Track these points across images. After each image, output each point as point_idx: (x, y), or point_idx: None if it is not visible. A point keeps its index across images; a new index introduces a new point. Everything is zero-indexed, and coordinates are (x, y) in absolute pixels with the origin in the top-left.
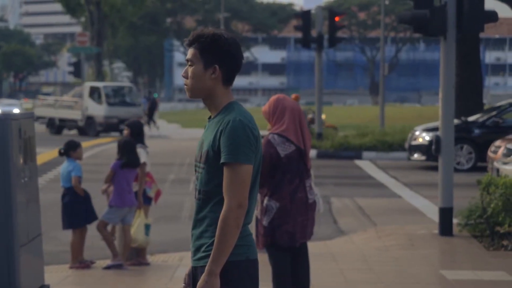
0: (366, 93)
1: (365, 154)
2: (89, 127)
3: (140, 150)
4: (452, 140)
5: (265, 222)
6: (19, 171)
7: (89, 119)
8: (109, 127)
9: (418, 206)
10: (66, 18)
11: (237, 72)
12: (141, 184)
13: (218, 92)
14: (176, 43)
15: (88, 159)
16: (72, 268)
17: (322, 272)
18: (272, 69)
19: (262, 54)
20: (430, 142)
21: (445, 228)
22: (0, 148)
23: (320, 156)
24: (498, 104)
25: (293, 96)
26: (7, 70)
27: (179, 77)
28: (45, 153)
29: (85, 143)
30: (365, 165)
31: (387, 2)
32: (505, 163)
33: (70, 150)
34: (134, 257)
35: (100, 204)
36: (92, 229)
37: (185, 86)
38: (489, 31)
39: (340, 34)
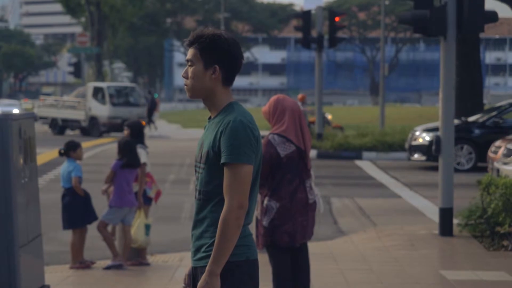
0: (366, 93)
1: (365, 154)
2: (93, 128)
3: (140, 151)
4: (452, 140)
5: (265, 222)
6: (19, 171)
7: (93, 120)
8: (112, 127)
9: (418, 207)
10: (66, 19)
11: (237, 72)
12: (141, 184)
13: (218, 92)
14: (176, 43)
15: (88, 160)
16: (73, 268)
17: (322, 272)
18: (272, 69)
19: (262, 54)
20: (430, 142)
21: (445, 228)
22: (0, 148)
23: (320, 156)
24: (498, 104)
25: (299, 96)
26: (7, 71)
27: (179, 77)
28: (45, 153)
29: (85, 144)
30: (365, 165)
31: (387, 2)
32: (505, 163)
33: (70, 151)
34: (135, 257)
35: (101, 205)
36: (92, 230)
37: (185, 86)
38: (489, 31)
39: (340, 34)
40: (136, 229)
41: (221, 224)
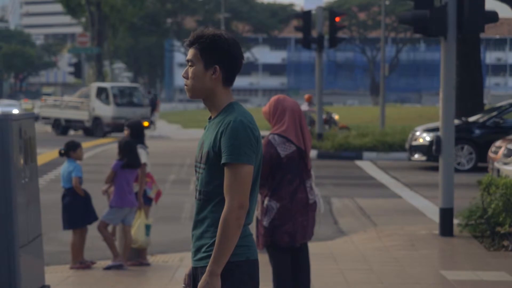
0: (366, 93)
1: (366, 154)
2: (96, 128)
3: (140, 151)
4: (453, 141)
5: (265, 222)
6: (19, 171)
7: (96, 120)
8: (116, 128)
9: (419, 207)
10: (67, 19)
11: (237, 72)
12: (141, 184)
13: (218, 93)
14: (177, 43)
15: (88, 160)
16: (73, 269)
17: (323, 273)
18: (273, 69)
19: (263, 54)
20: (431, 142)
21: (446, 228)
22: (1, 149)
23: (321, 156)
24: (499, 104)
25: (305, 96)
26: (8, 71)
27: (180, 77)
28: (46, 154)
29: (86, 144)
30: (366, 165)
31: (387, 3)
32: (505, 164)
33: (70, 151)
34: (135, 257)
35: (101, 205)
36: (92, 230)
37: (186, 87)
38: (490, 32)
39: (340, 34)
40: (137, 230)
41: (222, 224)
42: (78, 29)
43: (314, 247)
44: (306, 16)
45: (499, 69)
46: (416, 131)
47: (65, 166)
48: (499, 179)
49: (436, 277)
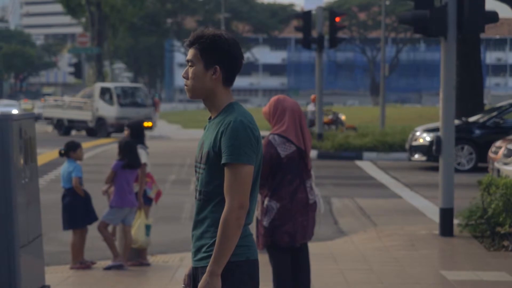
0: (366, 93)
1: (366, 154)
2: (100, 128)
3: (140, 151)
4: (453, 141)
5: (265, 222)
6: (19, 171)
7: (100, 120)
8: (120, 128)
9: (419, 207)
10: (67, 19)
11: (237, 72)
12: (141, 184)
13: (219, 93)
14: (177, 43)
15: (88, 160)
16: (73, 269)
17: (323, 273)
18: (273, 69)
19: (263, 54)
20: (431, 142)
21: (446, 228)
22: (1, 149)
23: (321, 156)
24: (499, 104)
25: (312, 97)
26: (8, 71)
27: (180, 77)
28: (46, 154)
29: (86, 144)
30: (366, 165)
31: (387, 3)
32: (505, 164)
33: (70, 151)
34: (135, 257)
35: (101, 205)
36: (92, 230)
37: (186, 87)
38: (490, 32)
39: (340, 34)
40: (137, 230)
41: (222, 224)
42: (78, 29)
43: (314, 247)
44: (306, 16)
45: (499, 69)
46: (416, 131)
47: (65, 166)
48: (499, 179)
49: (436, 277)
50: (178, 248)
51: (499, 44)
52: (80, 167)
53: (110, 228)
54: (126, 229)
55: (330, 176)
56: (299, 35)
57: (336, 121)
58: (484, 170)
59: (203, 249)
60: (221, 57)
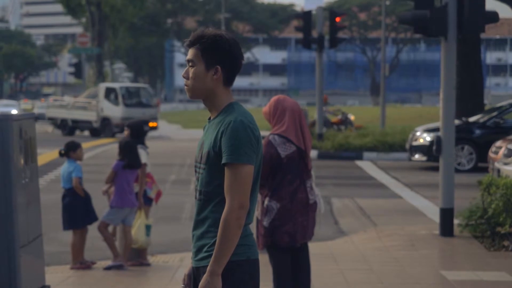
0: (366, 93)
1: (366, 154)
2: (105, 129)
3: (140, 151)
4: (453, 141)
5: (265, 222)
6: (19, 171)
7: (105, 120)
8: None
9: (419, 207)
10: (67, 19)
11: (237, 72)
12: (141, 185)
13: (219, 93)
14: (177, 43)
15: (88, 160)
16: (73, 269)
17: (323, 273)
18: (273, 69)
19: (263, 54)
20: (431, 142)
21: (446, 228)
22: (1, 149)
23: (321, 156)
24: (499, 104)
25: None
26: (8, 71)
27: (180, 77)
28: (46, 154)
29: (86, 144)
30: (366, 165)
31: (387, 3)
32: (506, 164)
33: (70, 151)
34: (135, 257)
35: (101, 205)
36: (92, 230)
37: (186, 87)
38: (490, 32)
39: (340, 34)
40: (137, 230)
41: (222, 224)
42: (78, 29)
43: (314, 247)
44: (306, 16)
45: (500, 69)
46: (416, 131)
47: (65, 167)
48: (500, 179)
49: (436, 277)
50: (178, 248)
51: (499, 44)
52: (80, 167)
53: (110, 228)
54: (126, 229)
55: (330, 176)
56: (299, 35)
57: (345, 121)
58: (484, 170)
59: (204, 249)
60: (222, 57)
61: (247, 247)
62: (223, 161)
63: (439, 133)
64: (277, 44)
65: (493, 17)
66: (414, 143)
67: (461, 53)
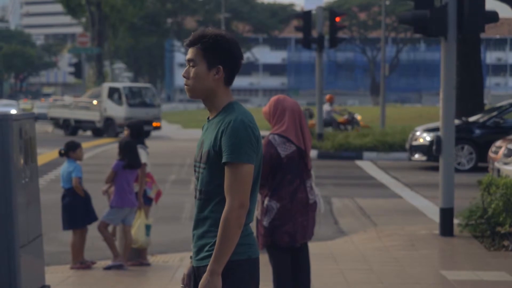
0: (366, 93)
1: (366, 154)
2: (108, 129)
3: (140, 151)
4: (453, 141)
5: (265, 222)
6: (19, 171)
7: (108, 120)
8: None
9: (419, 207)
10: (67, 19)
11: (237, 72)
12: (141, 184)
13: (219, 93)
14: (177, 43)
15: (88, 160)
16: (73, 269)
17: (323, 273)
18: (273, 69)
19: (263, 54)
20: (431, 142)
21: (446, 228)
22: (1, 149)
23: (321, 156)
24: (499, 104)
25: (327, 97)
26: (8, 71)
27: (180, 77)
28: (46, 154)
29: (86, 144)
30: (366, 165)
31: (387, 3)
32: (506, 164)
33: (70, 151)
34: (135, 257)
35: (101, 205)
36: (92, 230)
37: (186, 87)
38: (490, 32)
39: (340, 34)
40: (137, 230)
41: (222, 224)
42: (78, 29)
43: (314, 247)
44: (306, 16)
45: (499, 69)
46: (416, 131)
47: (64, 166)
48: (499, 179)
49: (436, 277)
50: (178, 248)
51: (499, 44)
52: (80, 167)
53: (110, 228)
54: (126, 229)
55: (330, 176)
56: (299, 35)
57: (351, 121)
58: (484, 170)
59: (205, 249)
60: (224, 57)
61: (248, 246)
62: (223, 160)
63: (439, 133)
64: (277, 44)
65: (493, 17)
66: (414, 143)
67: (461, 53)
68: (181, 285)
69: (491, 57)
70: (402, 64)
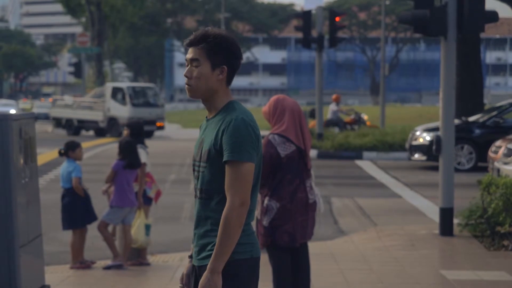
0: (366, 93)
1: (366, 154)
2: (111, 128)
3: (140, 151)
4: (453, 140)
5: (265, 222)
6: (19, 171)
7: (112, 120)
8: None
9: (419, 206)
10: (67, 19)
11: (236, 71)
12: (141, 184)
13: (220, 92)
14: (177, 43)
15: (88, 160)
16: (73, 268)
17: (322, 272)
18: (273, 69)
19: (263, 54)
20: (431, 142)
21: (446, 228)
22: (1, 149)
23: (321, 156)
24: (499, 104)
25: (333, 96)
26: (8, 71)
27: (180, 77)
28: (46, 154)
29: (86, 144)
30: (366, 165)
31: (387, 2)
32: (505, 163)
33: (69, 151)
34: (135, 257)
35: (101, 205)
36: (92, 230)
37: (188, 87)
38: (490, 31)
39: (340, 34)
40: (136, 229)
41: (223, 222)
42: (78, 29)
43: (314, 247)
44: (306, 16)
45: (499, 68)
46: (416, 130)
47: (64, 166)
48: (499, 178)
49: (436, 277)
50: (178, 248)
51: (499, 43)
52: (80, 167)
53: (110, 228)
54: (126, 229)
55: (330, 175)
56: (299, 35)
57: (358, 121)
58: (484, 169)
59: (208, 248)
60: (228, 57)
61: (251, 246)
62: (224, 158)
63: (439, 133)
64: (277, 43)
65: (493, 16)
66: (414, 143)
67: (461, 52)
68: (180, 285)
69: (491, 56)
70: (402, 64)
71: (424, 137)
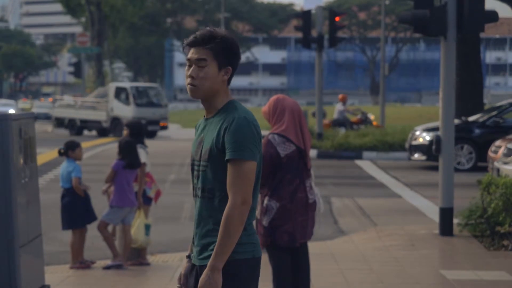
0: (366, 93)
1: (366, 154)
2: (115, 129)
3: (140, 151)
4: (453, 140)
5: (265, 222)
6: (19, 171)
7: (115, 120)
8: None
9: (419, 206)
10: (67, 19)
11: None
12: (141, 184)
13: (223, 93)
14: (177, 43)
15: (88, 160)
16: (73, 268)
17: (322, 272)
18: (273, 69)
19: (263, 54)
20: (431, 142)
21: (446, 228)
22: (1, 149)
23: (321, 156)
24: (499, 104)
25: (339, 96)
26: (8, 71)
27: (180, 77)
28: (46, 154)
29: (86, 143)
30: (366, 165)
31: (387, 2)
32: (505, 163)
33: (69, 150)
34: (135, 257)
35: (100, 205)
36: (92, 230)
37: (191, 86)
38: (490, 31)
39: (340, 34)
40: (136, 229)
41: (225, 220)
42: (78, 29)
43: (314, 247)
44: (306, 15)
45: (499, 68)
46: (416, 130)
47: (64, 166)
48: (499, 178)
49: (436, 277)
50: (178, 248)
51: (499, 43)
52: (79, 167)
53: (110, 228)
54: (126, 229)
55: (330, 175)
56: (299, 35)
57: (365, 121)
58: (484, 169)
59: (210, 248)
60: (233, 58)
61: (253, 245)
62: (227, 157)
63: (439, 133)
64: (277, 43)
65: (493, 16)
66: (414, 143)
67: (461, 52)
68: (178, 285)
69: (490, 56)
70: (402, 63)
71: (424, 137)
